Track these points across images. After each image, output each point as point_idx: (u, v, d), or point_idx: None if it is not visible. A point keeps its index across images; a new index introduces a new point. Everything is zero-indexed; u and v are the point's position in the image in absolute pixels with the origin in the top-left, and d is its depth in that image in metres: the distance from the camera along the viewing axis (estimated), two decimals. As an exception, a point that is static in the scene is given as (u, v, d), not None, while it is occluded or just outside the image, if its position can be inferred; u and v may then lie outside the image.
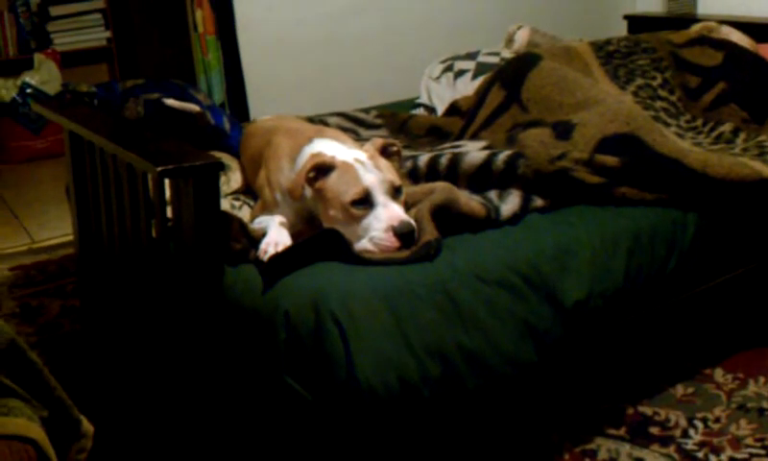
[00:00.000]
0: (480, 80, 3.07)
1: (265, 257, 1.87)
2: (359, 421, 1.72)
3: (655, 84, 2.82)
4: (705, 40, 3.01)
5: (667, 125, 2.66)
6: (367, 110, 3.26)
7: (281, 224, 2.01)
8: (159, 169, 1.82)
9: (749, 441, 2.06)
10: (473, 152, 2.30)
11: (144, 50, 5.61)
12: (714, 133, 2.70)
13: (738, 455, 2.01)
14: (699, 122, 2.78)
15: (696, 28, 3.30)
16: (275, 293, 1.79)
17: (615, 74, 2.82)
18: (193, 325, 1.93)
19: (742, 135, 2.65)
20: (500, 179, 2.20)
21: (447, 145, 2.55)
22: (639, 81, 2.82)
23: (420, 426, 1.81)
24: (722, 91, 2.82)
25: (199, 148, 2.06)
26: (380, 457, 1.82)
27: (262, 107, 4.04)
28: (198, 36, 4.30)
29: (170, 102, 2.33)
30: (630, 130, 2.31)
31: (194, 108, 2.40)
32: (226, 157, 2.44)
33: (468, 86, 3.27)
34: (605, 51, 2.91)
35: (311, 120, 2.86)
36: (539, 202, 2.17)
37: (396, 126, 3.08)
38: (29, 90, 5.04)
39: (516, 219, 2.10)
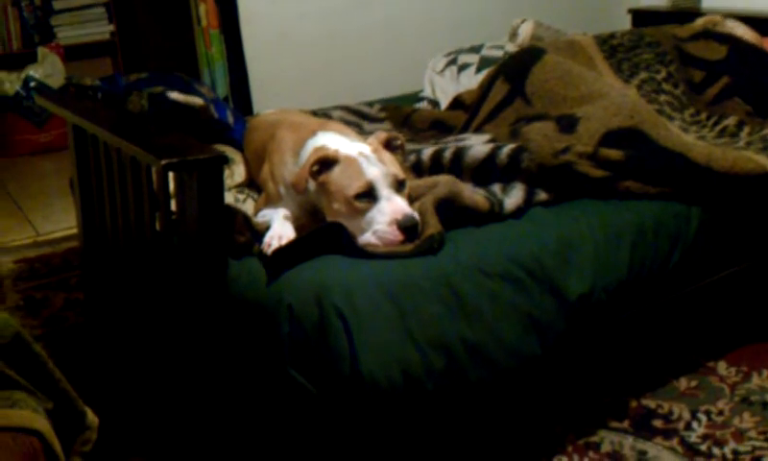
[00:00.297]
0: (484, 73, 3.06)
1: (269, 251, 1.88)
2: (363, 414, 1.73)
3: (659, 77, 2.82)
4: (709, 34, 3.01)
5: (671, 119, 2.66)
6: (370, 104, 3.26)
7: (285, 217, 2.02)
8: (164, 162, 1.82)
9: (752, 434, 2.06)
10: (477, 145, 2.30)
11: (148, 43, 5.61)
12: (718, 127, 2.70)
13: (741, 448, 2.01)
14: (703, 116, 2.78)
15: (700, 22, 3.29)
16: (278, 286, 1.79)
17: (619, 68, 2.81)
18: (197, 317, 1.93)
19: (746, 129, 2.65)
20: (504, 172, 2.20)
21: (451, 139, 2.54)
22: (643, 74, 2.81)
23: (423, 419, 1.82)
24: (726, 85, 2.82)
25: (202, 141, 2.07)
26: (384, 450, 1.83)
27: (265, 100, 4.03)
28: (201, 29, 4.30)
29: (174, 95, 2.33)
30: (634, 123, 2.31)
31: (198, 101, 2.40)
32: (229, 151, 2.44)
33: (471, 80, 3.27)
34: (609, 45, 2.90)
35: (314, 114, 2.85)
36: (542, 195, 2.17)
37: (400, 119, 3.07)
38: (32, 84, 5.04)
39: (519, 213, 2.10)
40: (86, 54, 5.43)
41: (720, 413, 2.15)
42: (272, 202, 2.13)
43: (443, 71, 3.45)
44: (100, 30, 5.46)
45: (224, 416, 1.95)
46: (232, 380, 1.93)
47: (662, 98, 2.75)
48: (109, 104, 2.42)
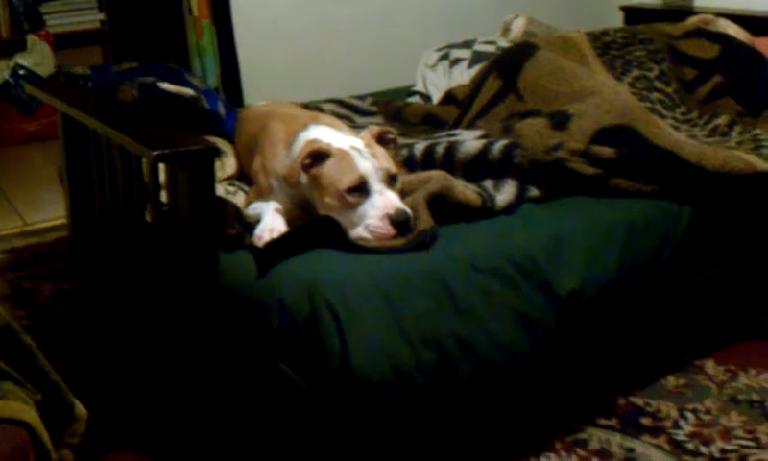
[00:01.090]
0: (476, 69, 3.06)
1: (260, 243, 1.87)
2: (353, 408, 1.72)
3: (651, 75, 2.82)
4: (701, 33, 3.01)
5: (663, 117, 2.66)
6: (362, 98, 3.25)
7: (276, 210, 2.01)
8: (155, 153, 1.81)
9: (739, 432, 2.07)
10: (469, 141, 2.30)
11: (138, 33, 5.58)
12: (710, 126, 2.71)
13: (728, 447, 2.02)
14: (694, 114, 2.79)
15: (693, 20, 3.30)
16: (269, 279, 1.79)
17: (612, 65, 2.81)
18: (187, 309, 1.92)
19: (737, 129, 2.65)
20: (496, 168, 2.20)
21: (443, 134, 2.54)
22: (636, 72, 2.82)
23: (413, 415, 1.82)
24: (718, 84, 2.82)
25: (193, 133, 2.06)
26: (374, 445, 1.83)
27: (257, 92, 4.02)
28: (192, 19, 4.28)
29: (165, 86, 2.32)
30: (626, 121, 2.31)
31: (189, 92, 2.39)
32: (220, 143, 2.43)
33: (464, 75, 3.26)
34: (601, 41, 2.90)
35: (306, 106, 2.84)
36: (534, 192, 2.17)
37: (392, 113, 3.07)
38: (21, 72, 5.00)
39: (511, 209, 2.10)
40: (76, 42, 5.38)
41: (708, 412, 2.16)
42: (263, 195, 2.12)
43: (435, 66, 3.45)
44: (90, 18, 5.41)
45: (213, 409, 1.95)
46: (222, 373, 1.92)
47: (654, 96, 2.75)
48: (100, 93, 2.40)
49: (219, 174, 2.37)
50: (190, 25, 4.30)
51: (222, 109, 2.57)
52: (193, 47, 4.32)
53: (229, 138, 2.53)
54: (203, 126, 2.45)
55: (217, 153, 1.89)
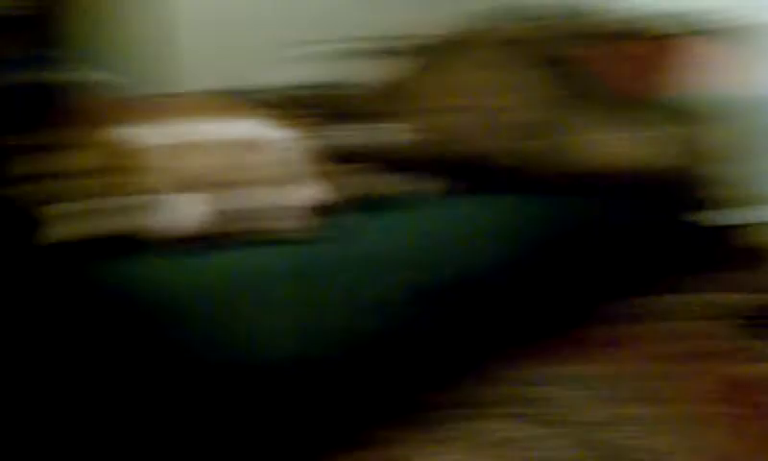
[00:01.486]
0: (404, 62, 3.09)
1: (172, 236, 1.89)
2: (256, 395, 1.74)
3: (563, 73, 2.86)
4: (617, 32, 3.04)
5: (578, 115, 2.72)
6: (295, 88, 3.25)
7: (193, 204, 2.01)
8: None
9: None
10: (397, 134, 2.33)
11: (63, 17, 5.45)
12: (626, 125, 2.76)
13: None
14: (609, 115, 2.84)
15: (606, 20, 3.32)
16: (177, 272, 1.81)
17: (539, 60, 2.84)
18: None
19: (647, 130, 2.71)
20: (421, 163, 2.25)
21: (371, 127, 2.57)
22: (562, 67, 2.85)
23: (316, 402, 1.82)
24: (631, 83, 2.87)
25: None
26: (274, 431, 1.84)
27: (185, 78, 3.97)
28: (118, 2, 4.20)
29: (69, 75, 2.26)
30: (542, 119, 2.37)
31: (99, 78, 2.33)
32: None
33: (391, 68, 3.28)
34: (531, 34, 2.92)
35: (234, 96, 2.84)
36: (457, 186, 2.22)
37: (323, 105, 3.07)
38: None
39: (432, 202, 2.17)
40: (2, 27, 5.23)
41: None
42: (181, 190, 2.10)
43: (364, 58, 3.46)
44: (17, 3, 5.27)
45: (118, 403, 1.91)
46: (132, 372, 1.89)
47: (567, 93, 2.79)
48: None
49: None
50: (112, 7, 4.22)
51: (141, 97, 2.54)
52: (116, 32, 4.24)
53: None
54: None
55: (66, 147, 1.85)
